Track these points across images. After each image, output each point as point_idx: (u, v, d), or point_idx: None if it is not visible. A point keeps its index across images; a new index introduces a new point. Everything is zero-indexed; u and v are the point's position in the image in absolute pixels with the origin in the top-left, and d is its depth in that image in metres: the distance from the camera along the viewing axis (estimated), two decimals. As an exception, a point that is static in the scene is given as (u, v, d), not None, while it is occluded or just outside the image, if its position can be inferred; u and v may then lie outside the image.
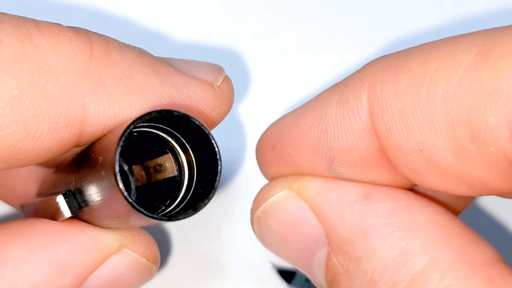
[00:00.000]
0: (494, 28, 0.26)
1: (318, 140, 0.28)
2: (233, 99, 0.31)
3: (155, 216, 0.27)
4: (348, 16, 0.40)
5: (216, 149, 0.28)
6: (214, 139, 0.28)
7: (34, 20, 0.28)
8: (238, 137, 0.40)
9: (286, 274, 0.38)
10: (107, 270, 0.30)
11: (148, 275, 0.32)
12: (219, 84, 0.30)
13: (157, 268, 0.32)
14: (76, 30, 0.29)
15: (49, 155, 0.29)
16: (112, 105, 0.28)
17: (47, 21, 0.28)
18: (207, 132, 0.28)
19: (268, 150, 0.30)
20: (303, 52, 0.40)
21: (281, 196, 0.30)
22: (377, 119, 0.27)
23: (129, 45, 0.30)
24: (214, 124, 0.31)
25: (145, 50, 0.30)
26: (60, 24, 0.28)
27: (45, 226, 0.30)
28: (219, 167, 0.28)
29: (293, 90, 0.40)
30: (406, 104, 0.26)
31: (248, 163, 0.39)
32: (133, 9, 0.40)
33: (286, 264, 0.38)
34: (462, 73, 0.25)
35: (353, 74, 0.29)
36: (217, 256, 0.39)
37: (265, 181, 0.39)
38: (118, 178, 0.26)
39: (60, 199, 0.29)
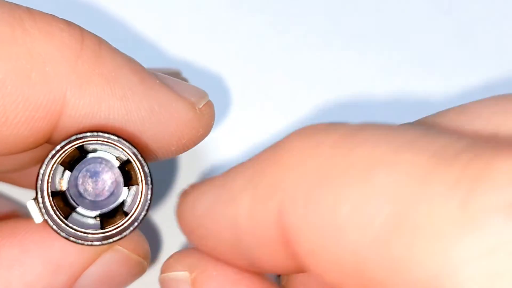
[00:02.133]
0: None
1: (233, 247, 0.26)
2: (212, 125, 0.31)
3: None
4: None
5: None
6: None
7: (27, 7, 0.28)
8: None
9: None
10: (99, 267, 0.30)
11: (139, 271, 0.32)
12: (200, 106, 0.30)
13: (148, 264, 0.32)
14: (69, 23, 0.29)
15: (24, 145, 0.29)
16: (92, 103, 0.28)
17: (41, 11, 0.28)
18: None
19: (185, 226, 0.29)
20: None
21: (178, 276, 0.29)
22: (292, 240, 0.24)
23: (119, 50, 0.30)
24: (190, 145, 0.30)
25: (135, 59, 0.30)
26: (54, 15, 0.28)
27: (38, 226, 0.30)
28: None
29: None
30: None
31: (249, 154, 0.40)
32: (122, 14, 0.40)
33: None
34: None
35: (267, 164, 0.25)
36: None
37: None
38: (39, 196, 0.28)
39: (30, 204, 0.29)
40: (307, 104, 0.40)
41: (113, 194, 0.30)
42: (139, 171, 0.29)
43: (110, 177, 0.30)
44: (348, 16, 0.41)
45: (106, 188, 0.30)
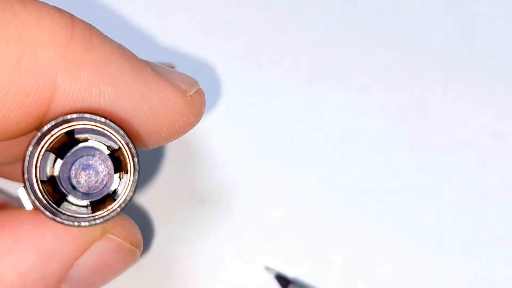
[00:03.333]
0: None
1: None
2: (203, 112, 0.31)
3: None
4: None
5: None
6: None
7: None
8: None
9: (282, 280, 0.38)
10: (91, 256, 0.30)
11: (132, 260, 0.32)
12: (191, 94, 0.30)
13: (141, 252, 0.32)
14: (60, 9, 0.29)
15: (14, 132, 0.29)
16: (83, 89, 0.28)
17: None
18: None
19: None
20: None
21: None
22: None
23: (110, 38, 0.30)
24: (180, 132, 0.31)
25: (126, 47, 0.30)
26: (45, 2, 0.29)
27: (29, 215, 0.30)
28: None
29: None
30: None
31: (249, 157, 0.39)
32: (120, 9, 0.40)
33: (284, 270, 0.38)
34: None
35: None
36: (212, 255, 0.39)
37: (262, 183, 0.39)
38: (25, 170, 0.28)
39: (21, 192, 0.29)
40: (306, 103, 0.40)
41: (106, 186, 0.30)
42: (127, 153, 0.29)
43: (103, 170, 0.30)
44: (348, 15, 0.41)
45: (100, 180, 0.30)
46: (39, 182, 0.28)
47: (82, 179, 0.30)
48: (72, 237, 0.29)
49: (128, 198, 0.29)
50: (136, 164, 0.29)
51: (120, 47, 0.29)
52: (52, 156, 0.29)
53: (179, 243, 0.39)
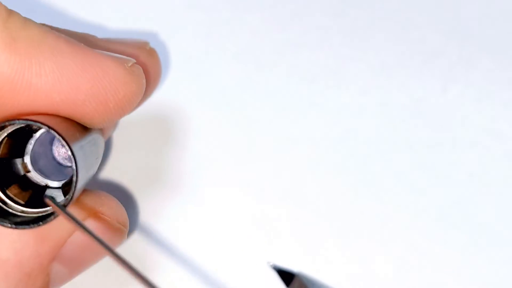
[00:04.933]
0: None
1: None
2: (144, 83, 0.33)
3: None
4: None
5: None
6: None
7: None
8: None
9: (285, 276, 0.38)
10: (81, 234, 0.31)
11: (120, 238, 0.33)
12: (129, 65, 0.32)
13: (127, 230, 0.33)
14: None
15: None
16: (23, 59, 0.29)
17: None
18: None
19: None
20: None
21: None
22: None
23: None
24: (127, 103, 0.32)
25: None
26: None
27: None
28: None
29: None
30: None
31: (249, 157, 0.39)
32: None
33: (287, 266, 0.38)
34: None
35: None
36: (214, 256, 0.39)
37: (262, 183, 0.39)
38: None
39: None
40: (306, 102, 0.40)
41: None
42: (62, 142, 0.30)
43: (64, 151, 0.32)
44: (348, 15, 0.40)
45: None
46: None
47: (62, 150, 0.32)
48: (63, 218, 0.30)
49: (69, 197, 0.29)
50: (73, 159, 0.29)
51: (54, 30, 0.31)
52: (18, 159, 0.31)
53: (179, 243, 0.39)
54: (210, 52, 0.40)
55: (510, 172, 0.39)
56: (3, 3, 0.30)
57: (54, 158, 0.32)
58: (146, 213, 0.39)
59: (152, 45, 0.39)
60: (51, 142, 0.32)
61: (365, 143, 0.40)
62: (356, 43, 0.40)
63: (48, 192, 0.31)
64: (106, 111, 0.31)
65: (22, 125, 0.29)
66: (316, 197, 0.39)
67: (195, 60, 0.40)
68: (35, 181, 0.31)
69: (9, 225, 0.29)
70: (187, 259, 0.39)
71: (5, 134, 0.30)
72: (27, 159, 0.31)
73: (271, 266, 0.38)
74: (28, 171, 0.31)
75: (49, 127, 0.29)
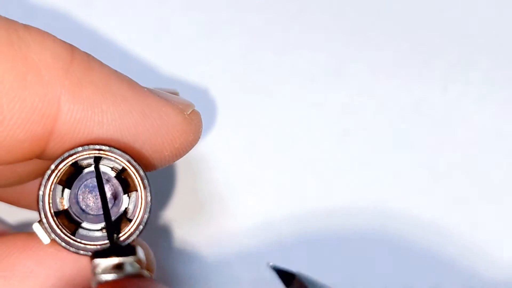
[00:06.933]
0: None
1: None
2: (201, 131, 0.32)
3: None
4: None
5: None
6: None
7: (20, 22, 0.29)
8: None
9: (285, 276, 0.38)
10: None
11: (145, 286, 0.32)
12: (188, 113, 0.31)
13: (153, 274, 0.33)
14: (59, 38, 0.30)
15: (18, 152, 0.29)
16: (86, 108, 0.29)
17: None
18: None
19: None
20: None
21: None
22: None
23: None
24: (182, 151, 0.31)
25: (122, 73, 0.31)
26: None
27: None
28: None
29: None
30: None
31: (249, 157, 0.39)
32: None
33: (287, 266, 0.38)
34: None
35: None
36: (216, 256, 0.39)
37: (262, 183, 0.39)
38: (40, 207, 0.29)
39: (36, 227, 0.30)
40: (306, 102, 0.40)
41: (115, 204, 0.31)
42: (135, 175, 0.30)
43: (109, 189, 0.31)
44: (348, 15, 0.40)
45: (107, 200, 0.30)
46: (55, 218, 0.29)
47: (90, 202, 0.31)
48: None
49: (144, 220, 0.29)
50: (147, 185, 0.29)
51: (117, 71, 0.30)
52: (59, 188, 0.30)
53: (181, 245, 0.39)
54: (210, 52, 0.40)
55: (510, 172, 0.39)
56: (66, 41, 0.30)
57: (78, 203, 0.31)
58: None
59: (152, 45, 0.39)
60: (77, 186, 0.31)
61: (365, 143, 0.40)
62: (356, 43, 0.40)
63: (83, 231, 0.31)
64: (161, 158, 0.31)
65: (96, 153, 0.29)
66: (316, 196, 0.39)
67: (195, 60, 0.40)
68: (74, 218, 0.31)
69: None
70: (187, 259, 0.39)
71: (72, 161, 0.30)
72: (67, 194, 0.31)
73: (271, 266, 0.38)
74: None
75: (128, 155, 0.29)
